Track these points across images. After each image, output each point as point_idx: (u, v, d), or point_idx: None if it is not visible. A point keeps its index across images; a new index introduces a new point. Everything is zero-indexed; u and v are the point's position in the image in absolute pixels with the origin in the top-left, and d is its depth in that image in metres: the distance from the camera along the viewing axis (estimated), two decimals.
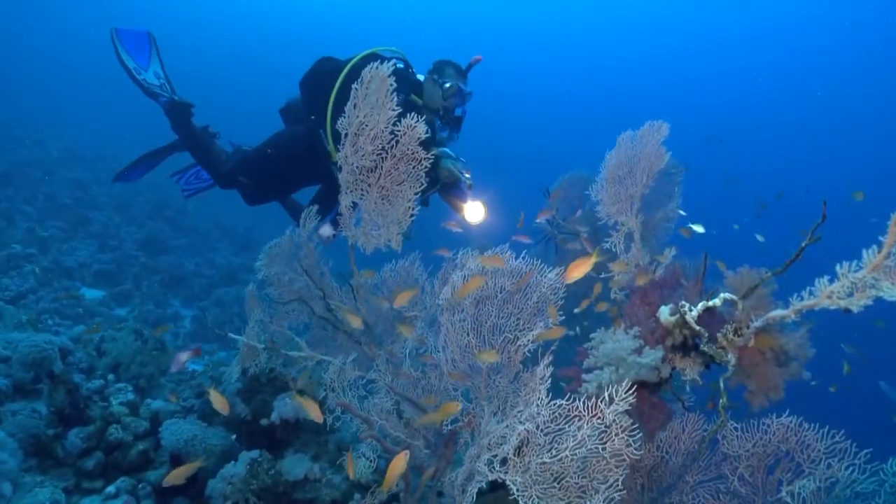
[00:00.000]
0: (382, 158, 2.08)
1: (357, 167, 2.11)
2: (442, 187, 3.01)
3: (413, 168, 2.06)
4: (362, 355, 2.57)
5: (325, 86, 2.90)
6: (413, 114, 2.02)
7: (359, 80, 2.06)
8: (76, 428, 2.53)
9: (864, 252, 1.31)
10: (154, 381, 3.50)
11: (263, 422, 2.69)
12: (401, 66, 3.01)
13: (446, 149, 2.93)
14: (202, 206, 10.91)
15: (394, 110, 1.99)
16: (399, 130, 2.02)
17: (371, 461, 2.31)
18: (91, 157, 11.40)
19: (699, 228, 2.55)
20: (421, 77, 3.03)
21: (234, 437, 2.76)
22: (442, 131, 3.02)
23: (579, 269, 1.75)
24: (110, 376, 3.27)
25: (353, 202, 2.21)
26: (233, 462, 2.42)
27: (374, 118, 2.02)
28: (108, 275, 6.74)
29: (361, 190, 2.15)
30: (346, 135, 2.11)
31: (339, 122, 2.11)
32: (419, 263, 2.67)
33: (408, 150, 2.03)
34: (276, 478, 2.39)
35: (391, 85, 1.99)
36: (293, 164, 3.22)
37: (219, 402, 1.86)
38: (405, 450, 1.62)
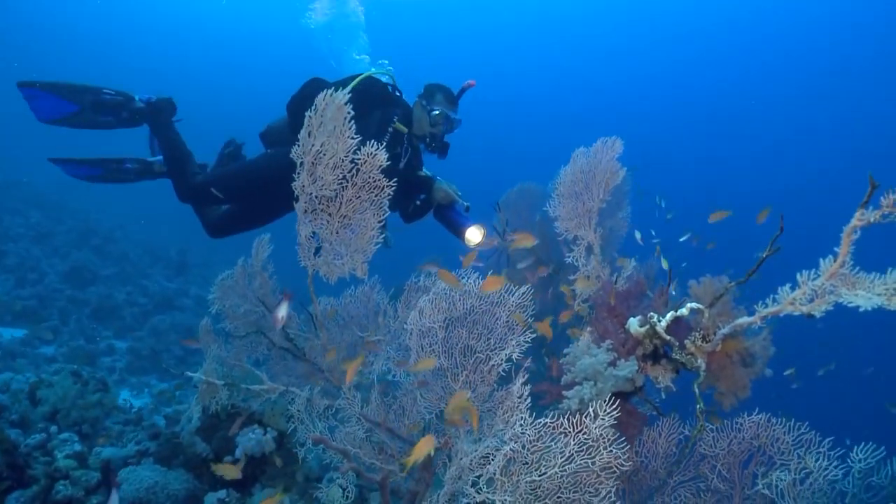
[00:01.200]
0: (343, 187, 2.06)
1: (316, 196, 2.08)
2: (436, 209, 3.00)
3: (376, 196, 2.05)
4: (327, 384, 2.54)
5: None
6: (372, 141, 2.01)
7: (313, 107, 2.03)
8: (16, 492, 2.34)
9: (821, 261, 1.42)
10: (99, 425, 3.30)
11: (227, 459, 2.60)
12: (390, 88, 2.98)
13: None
14: (132, 232, 10.43)
15: (353, 138, 1.98)
16: (359, 159, 2.00)
17: (345, 489, 2.28)
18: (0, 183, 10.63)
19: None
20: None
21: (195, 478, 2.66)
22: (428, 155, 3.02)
23: (493, 285, 1.90)
24: (52, 428, 3.06)
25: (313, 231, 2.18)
26: None
27: (333, 146, 2.00)
28: (29, 312, 6.30)
29: (321, 220, 2.12)
30: (302, 164, 2.07)
31: (293, 150, 2.08)
32: (379, 287, 2.65)
33: (369, 178, 2.02)
34: None
35: (348, 112, 1.98)
36: (279, 187, 3.09)
37: (230, 471, 1.84)
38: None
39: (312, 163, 2.05)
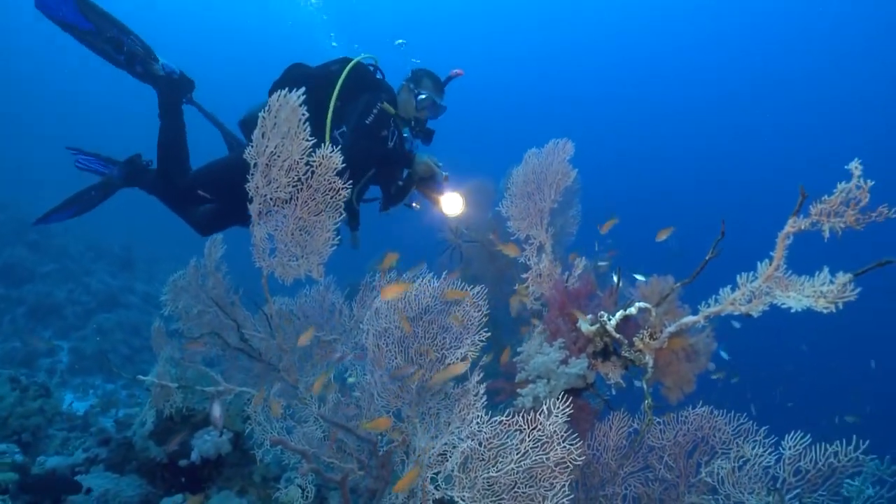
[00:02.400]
0: (298, 189, 2.05)
1: (271, 198, 2.07)
2: (419, 183, 3.00)
3: (331, 198, 2.05)
4: (284, 383, 2.53)
5: (310, 93, 2.81)
6: (329, 145, 2.02)
7: (266, 108, 2.02)
8: None
9: (758, 264, 1.52)
10: (41, 433, 3.18)
11: (182, 462, 2.57)
12: (377, 74, 3.01)
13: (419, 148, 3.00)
14: (72, 226, 9.96)
15: (307, 140, 1.98)
16: (314, 161, 2.00)
17: (304, 489, 2.29)
18: None
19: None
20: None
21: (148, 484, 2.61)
22: (412, 140, 3.04)
23: (392, 292, 1.96)
24: None
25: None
26: None
27: (287, 148, 1.99)
28: None
29: (276, 221, 2.12)
30: (255, 165, 2.06)
31: (247, 151, 2.05)
32: (335, 287, 2.66)
33: (324, 180, 2.02)
34: None
35: (303, 114, 1.97)
36: None
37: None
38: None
39: (266, 164, 2.03)
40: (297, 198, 2.06)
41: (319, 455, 2.22)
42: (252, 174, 2.07)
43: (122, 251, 9.22)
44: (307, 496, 2.27)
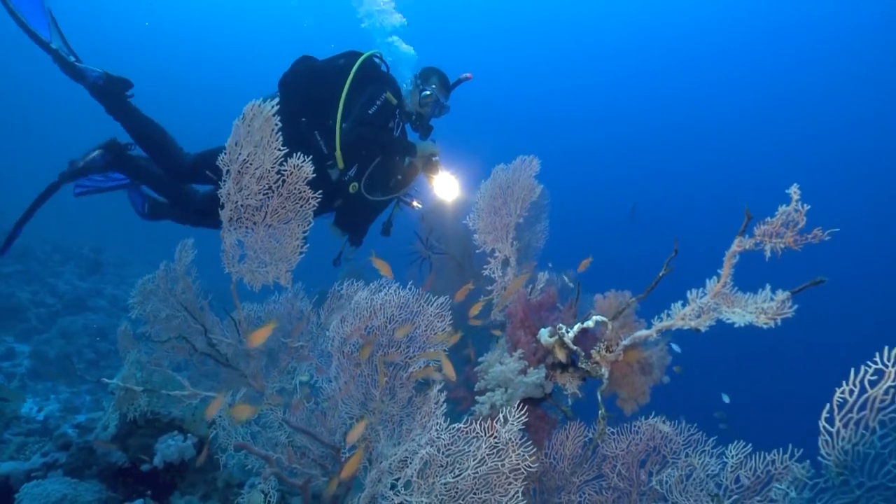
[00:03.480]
0: (269, 197, 2.09)
1: (241, 205, 2.10)
2: (424, 169, 3.07)
3: (301, 207, 2.09)
4: (250, 389, 2.54)
5: (319, 85, 2.94)
6: (299, 153, 2.06)
7: (241, 116, 2.05)
8: None
9: (707, 281, 1.60)
10: None
11: (145, 467, 2.56)
12: (383, 67, 3.09)
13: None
14: (37, 225, 9.78)
15: (279, 150, 2.02)
16: (286, 170, 2.04)
17: (266, 494, 2.30)
18: None
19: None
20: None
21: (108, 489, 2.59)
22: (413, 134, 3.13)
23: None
24: None
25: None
26: None
27: (260, 157, 2.03)
28: None
29: (246, 227, 2.15)
30: (228, 171, 2.09)
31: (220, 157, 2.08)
32: (303, 294, 2.69)
33: (295, 189, 2.06)
34: None
35: (276, 124, 2.01)
36: None
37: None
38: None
39: (239, 172, 2.07)
40: (268, 205, 2.10)
41: (283, 460, 2.24)
42: (224, 181, 2.10)
43: (91, 253, 9.05)
44: (269, 501, 2.28)
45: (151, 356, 2.56)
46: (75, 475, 2.63)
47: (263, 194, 2.07)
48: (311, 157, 2.72)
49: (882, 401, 1.16)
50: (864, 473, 1.20)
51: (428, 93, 3.01)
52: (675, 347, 2.17)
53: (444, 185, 2.83)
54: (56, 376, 5.75)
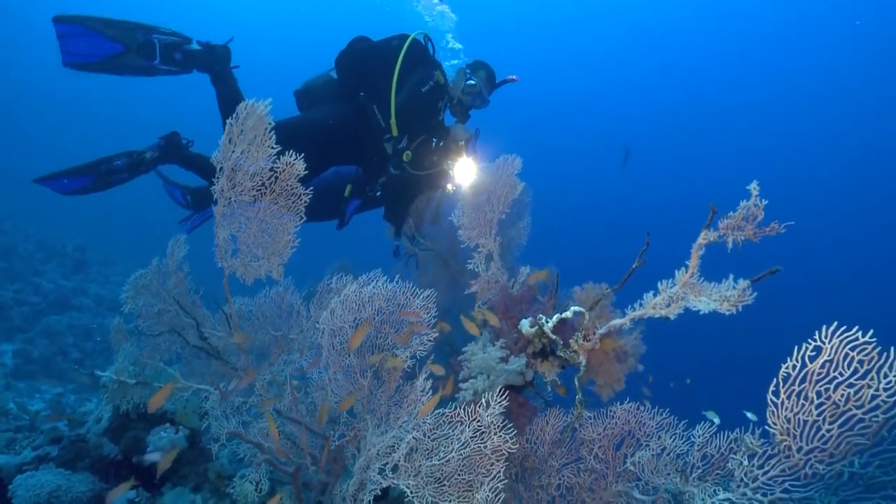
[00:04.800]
0: (262, 193, 2.17)
1: (235, 201, 2.17)
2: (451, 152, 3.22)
3: (293, 203, 2.17)
4: (242, 381, 2.61)
5: (376, 62, 3.13)
6: (291, 151, 2.14)
7: (234, 115, 2.13)
8: None
9: (676, 272, 1.71)
10: None
11: (136, 459, 2.61)
12: (431, 50, 3.28)
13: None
14: (22, 224, 9.72)
15: (273, 148, 2.09)
16: (278, 167, 2.12)
17: (257, 483, 2.37)
18: None
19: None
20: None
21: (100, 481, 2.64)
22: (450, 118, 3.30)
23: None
24: None
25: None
26: None
27: (253, 154, 2.10)
28: None
29: (240, 223, 2.22)
30: (222, 169, 2.16)
31: (214, 155, 2.15)
32: (294, 289, 2.76)
33: (287, 185, 2.14)
34: None
35: (269, 123, 2.09)
36: (336, 139, 3.22)
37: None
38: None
39: (232, 169, 2.14)
40: (261, 201, 2.18)
41: (273, 449, 2.31)
42: (217, 178, 2.17)
43: (75, 252, 9.01)
44: (261, 490, 2.36)
45: (143, 350, 2.62)
46: (67, 468, 2.67)
47: (257, 191, 2.14)
48: (369, 129, 3.09)
49: (819, 374, 1.28)
50: (803, 438, 1.32)
51: (473, 83, 3.21)
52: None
53: (463, 170, 2.95)
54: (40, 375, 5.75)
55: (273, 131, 2.12)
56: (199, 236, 2.95)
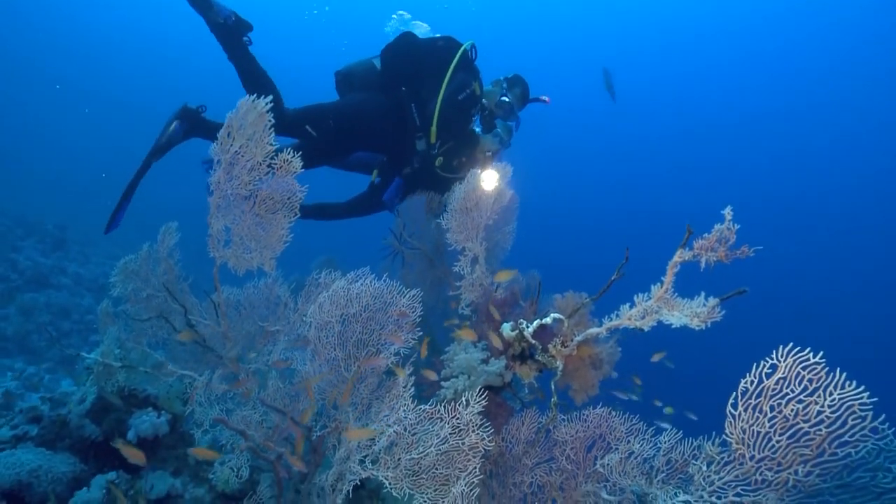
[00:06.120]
0: (258, 188, 2.22)
1: (231, 194, 2.23)
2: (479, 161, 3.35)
3: (288, 199, 2.23)
4: (226, 369, 2.66)
5: (421, 61, 3.26)
6: (289, 148, 2.20)
7: (235, 109, 2.18)
8: None
9: (652, 287, 1.81)
10: None
11: (118, 441, 2.65)
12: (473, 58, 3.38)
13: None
14: (0, 199, 9.59)
15: (271, 145, 2.15)
16: (276, 163, 2.18)
17: (237, 469, 2.43)
18: None
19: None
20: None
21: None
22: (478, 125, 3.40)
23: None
24: None
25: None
26: (85, 488, 2.37)
27: (252, 150, 2.16)
28: None
29: (235, 215, 2.27)
30: (219, 161, 2.21)
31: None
32: (282, 281, 2.82)
33: (284, 182, 2.20)
34: (137, 498, 2.40)
35: (269, 120, 2.15)
36: (370, 125, 3.33)
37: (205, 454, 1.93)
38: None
39: (230, 162, 2.19)
40: (256, 195, 2.23)
41: (256, 437, 2.37)
42: (214, 170, 2.23)
43: (55, 230, 8.92)
44: (240, 476, 2.42)
45: (130, 334, 2.66)
46: (47, 448, 2.70)
47: (254, 185, 2.20)
48: (404, 124, 3.26)
49: (773, 389, 1.40)
50: (755, 448, 1.44)
51: (507, 99, 3.35)
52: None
53: (487, 178, 3.04)
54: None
55: (272, 128, 2.18)
56: (188, 224, 2.99)
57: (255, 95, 2.17)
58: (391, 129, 3.34)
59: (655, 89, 28.68)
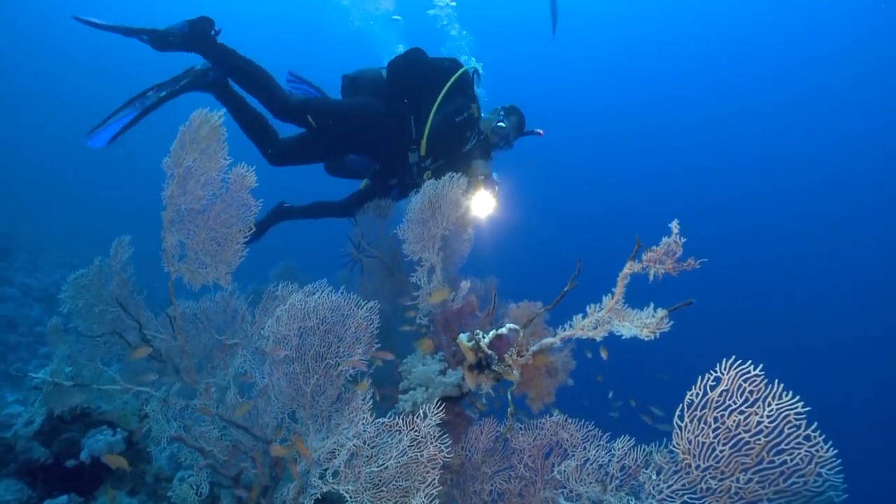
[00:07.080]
0: (212, 202, 2.20)
1: (185, 209, 2.20)
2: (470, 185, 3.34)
3: (243, 213, 2.21)
4: (183, 384, 2.62)
5: (425, 78, 3.34)
6: (243, 163, 2.18)
7: (188, 121, 2.15)
8: None
9: (603, 297, 1.86)
10: None
11: (70, 463, 2.58)
12: (474, 82, 3.48)
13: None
14: None
15: (225, 159, 2.13)
16: (230, 178, 2.16)
17: (197, 487, 2.39)
18: None
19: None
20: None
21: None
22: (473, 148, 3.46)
23: None
24: None
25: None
26: None
27: (206, 164, 2.13)
28: None
29: (189, 230, 2.24)
30: (172, 175, 2.18)
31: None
32: (239, 294, 2.78)
33: (238, 196, 2.18)
34: None
35: (223, 134, 2.13)
36: (368, 129, 3.39)
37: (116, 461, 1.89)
38: None
39: (183, 176, 2.16)
40: (211, 210, 2.21)
41: (216, 453, 2.34)
42: (167, 184, 2.19)
43: (1, 237, 8.59)
44: (200, 494, 2.38)
45: (82, 351, 2.59)
46: None
47: (207, 199, 2.17)
48: (400, 135, 3.37)
49: (717, 401, 1.47)
50: (701, 457, 1.51)
51: (503, 126, 3.43)
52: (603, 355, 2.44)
53: (480, 203, 3.08)
54: None
55: (226, 141, 2.16)
56: (146, 231, 2.92)
57: (207, 109, 2.14)
58: (387, 137, 3.43)
59: (637, 91, 29.06)
